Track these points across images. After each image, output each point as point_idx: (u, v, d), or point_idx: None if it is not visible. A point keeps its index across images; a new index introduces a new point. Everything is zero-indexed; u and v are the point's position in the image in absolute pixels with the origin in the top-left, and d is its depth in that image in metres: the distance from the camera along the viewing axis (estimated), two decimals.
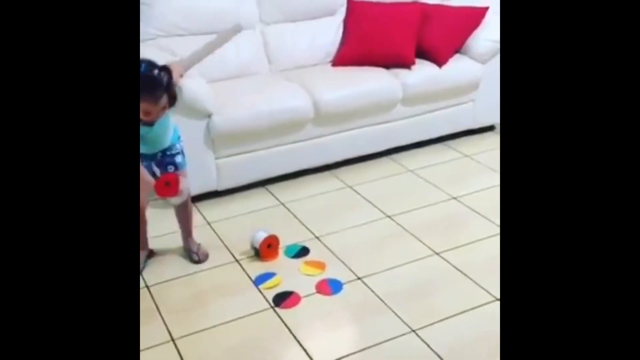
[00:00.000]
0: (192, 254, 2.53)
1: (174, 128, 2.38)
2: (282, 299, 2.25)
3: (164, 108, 2.17)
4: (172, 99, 2.20)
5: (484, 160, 3.34)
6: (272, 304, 2.24)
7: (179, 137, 2.42)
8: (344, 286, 2.33)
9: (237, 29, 2.66)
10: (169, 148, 2.37)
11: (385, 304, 2.23)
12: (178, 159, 2.40)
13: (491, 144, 3.53)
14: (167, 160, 2.38)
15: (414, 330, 2.09)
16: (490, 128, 3.70)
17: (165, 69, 2.16)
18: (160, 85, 2.11)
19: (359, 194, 3.03)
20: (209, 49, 2.55)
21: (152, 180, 2.27)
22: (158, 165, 2.37)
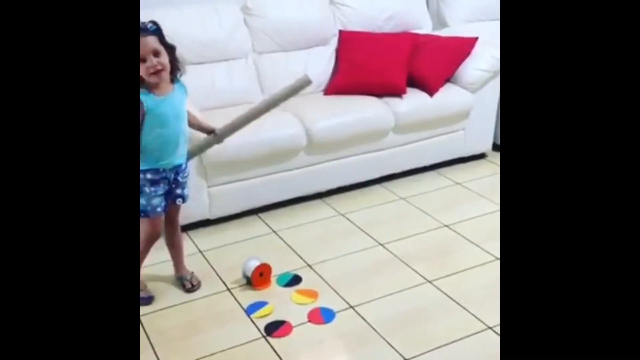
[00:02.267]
0: (185, 282, 2.51)
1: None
2: (274, 328, 2.23)
3: (169, 71, 2.13)
4: (174, 62, 2.17)
5: (475, 187, 3.36)
6: (264, 333, 2.23)
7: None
8: (337, 315, 2.32)
9: (305, 81, 2.38)
10: (182, 168, 2.31)
11: (378, 333, 2.22)
12: (186, 188, 2.37)
13: (482, 172, 3.55)
14: (177, 190, 2.33)
15: None
16: (481, 156, 3.73)
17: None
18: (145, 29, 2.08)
19: (351, 221, 3.04)
20: (269, 104, 2.44)
21: (160, 231, 2.33)
22: (167, 195, 2.31)
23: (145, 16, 2.10)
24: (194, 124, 2.37)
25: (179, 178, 2.32)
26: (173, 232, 2.48)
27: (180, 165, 2.30)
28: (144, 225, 2.26)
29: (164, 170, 2.24)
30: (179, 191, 2.34)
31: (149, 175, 2.21)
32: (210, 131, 2.40)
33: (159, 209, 2.28)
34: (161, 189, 2.26)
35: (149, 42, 2.07)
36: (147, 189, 2.22)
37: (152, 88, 2.12)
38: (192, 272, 2.55)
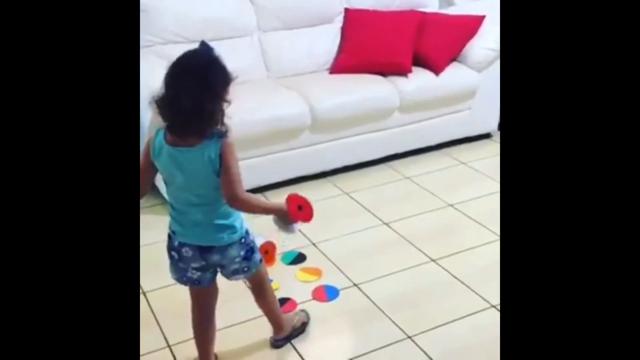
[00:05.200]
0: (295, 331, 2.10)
1: (237, 219, 1.74)
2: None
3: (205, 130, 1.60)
4: (211, 118, 1.59)
5: (481, 167, 3.35)
6: None
7: (242, 236, 1.77)
8: (340, 293, 2.34)
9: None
10: (221, 251, 1.73)
11: (381, 311, 2.23)
12: (239, 274, 1.82)
13: (488, 152, 3.54)
14: (220, 270, 1.81)
15: (409, 337, 2.09)
16: (486, 135, 3.71)
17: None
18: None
19: (356, 201, 3.04)
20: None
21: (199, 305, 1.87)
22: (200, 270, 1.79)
23: None
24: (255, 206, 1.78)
25: (221, 262, 1.77)
26: (200, 320, 1.93)
27: (210, 249, 1.73)
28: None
29: (181, 245, 1.75)
30: (222, 272, 1.83)
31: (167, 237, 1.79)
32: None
33: (182, 280, 1.84)
34: (175, 261, 1.79)
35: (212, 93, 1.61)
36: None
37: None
38: (296, 317, 2.15)
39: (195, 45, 3.19)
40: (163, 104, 1.58)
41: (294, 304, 2.26)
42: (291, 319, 2.11)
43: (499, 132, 3.73)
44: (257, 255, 1.87)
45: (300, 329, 2.12)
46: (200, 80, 1.57)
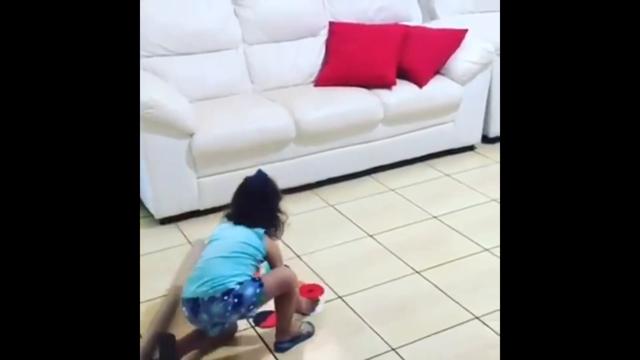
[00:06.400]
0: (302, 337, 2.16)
1: (251, 285, 1.92)
2: (262, 318, 2.24)
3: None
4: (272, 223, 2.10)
5: (464, 179, 3.37)
6: (252, 323, 2.23)
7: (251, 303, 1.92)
8: (325, 305, 2.33)
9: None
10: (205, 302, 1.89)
11: (366, 323, 2.23)
12: (216, 327, 2.02)
13: (471, 164, 3.57)
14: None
15: (393, 349, 2.09)
16: (470, 148, 3.74)
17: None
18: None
19: (340, 213, 3.05)
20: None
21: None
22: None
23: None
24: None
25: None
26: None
27: (195, 300, 1.91)
28: None
29: (184, 300, 1.96)
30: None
31: None
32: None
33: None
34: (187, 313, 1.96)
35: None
36: None
37: None
38: (301, 324, 2.19)
39: (181, 59, 3.23)
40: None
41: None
42: (296, 325, 2.15)
43: (482, 144, 3.76)
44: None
45: (306, 336, 2.15)
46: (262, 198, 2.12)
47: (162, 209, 2.92)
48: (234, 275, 1.91)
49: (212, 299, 1.88)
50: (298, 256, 2.66)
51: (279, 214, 2.13)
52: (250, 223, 2.05)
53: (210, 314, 1.90)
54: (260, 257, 2.02)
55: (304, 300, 2.27)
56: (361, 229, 2.88)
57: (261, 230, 2.05)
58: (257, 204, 2.09)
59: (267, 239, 2.06)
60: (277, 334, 2.09)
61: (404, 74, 3.39)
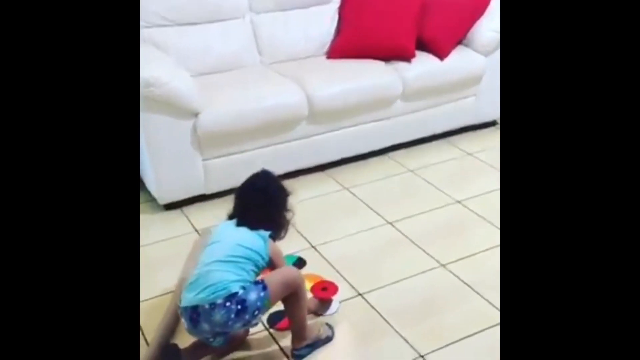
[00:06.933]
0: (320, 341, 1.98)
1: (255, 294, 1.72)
2: (277, 320, 2.06)
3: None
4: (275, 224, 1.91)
5: (487, 158, 3.17)
6: (267, 325, 2.06)
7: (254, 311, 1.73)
8: (343, 304, 2.15)
9: None
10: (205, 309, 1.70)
11: (389, 324, 2.05)
12: (219, 337, 1.80)
13: (493, 141, 3.36)
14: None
15: (422, 356, 1.92)
16: (492, 123, 3.53)
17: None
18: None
19: (356, 196, 2.85)
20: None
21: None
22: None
23: None
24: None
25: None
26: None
27: (195, 308, 1.72)
28: None
29: (182, 309, 1.77)
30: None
31: None
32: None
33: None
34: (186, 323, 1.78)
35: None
36: None
37: None
38: (320, 328, 2.02)
39: (184, 29, 3.00)
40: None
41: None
42: (315, 328, 1.97)
43: None
44: None
45: (325, 341, 1.97)
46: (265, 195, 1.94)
47: (165, 194, 2.73)
48: (236, 280, 1.73)
49: (213, 305, 1.69)
50: (313, 247, 2.47)
51: (286, 213, 1.96)
52: (254, 225, 1.87)
53: (211, 322, 1.70)
54: (262, 263, 1.83)
55: (315, 301, 2.09)
56: (379, 215, 2.69)
57: (266, 234, 1.86)
58: (261, 204, 1.91)
59: (271, 243, 1.87)
60: (293, 340, 1.92)
61: (424, 45, 3.15)
